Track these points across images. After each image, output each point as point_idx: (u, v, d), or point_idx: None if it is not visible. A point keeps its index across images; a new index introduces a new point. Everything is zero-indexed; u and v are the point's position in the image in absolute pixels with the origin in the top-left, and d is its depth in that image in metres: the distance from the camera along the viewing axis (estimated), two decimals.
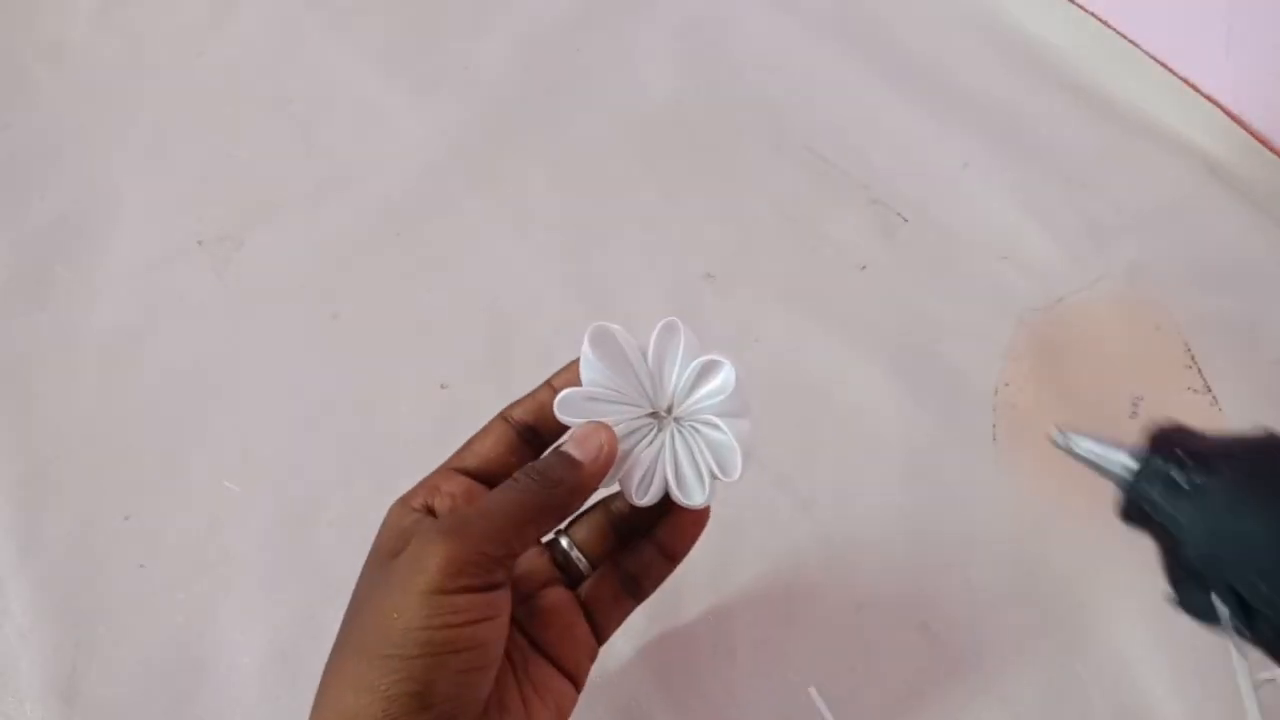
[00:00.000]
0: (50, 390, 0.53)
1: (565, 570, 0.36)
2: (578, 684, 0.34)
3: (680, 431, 0.35)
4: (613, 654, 0.43)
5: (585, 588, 0.36)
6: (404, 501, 0.34)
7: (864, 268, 0.55)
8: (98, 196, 0.61)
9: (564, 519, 0.32)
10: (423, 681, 0.28)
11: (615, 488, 0.34)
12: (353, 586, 0.32)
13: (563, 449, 0.32)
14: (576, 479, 0.32)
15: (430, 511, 0.33)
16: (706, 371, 0.34)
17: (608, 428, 0.33)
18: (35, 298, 0.57)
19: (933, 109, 0.63)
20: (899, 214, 0.58)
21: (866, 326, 0.53)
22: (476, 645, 0.29)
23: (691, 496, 0.34)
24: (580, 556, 0.36)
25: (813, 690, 0.42)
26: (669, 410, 0.35)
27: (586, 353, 0.34)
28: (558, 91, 0.65)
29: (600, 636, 0.36)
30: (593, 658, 0.35)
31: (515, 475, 0.32)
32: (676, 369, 0.34)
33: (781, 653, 0.43)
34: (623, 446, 0.34)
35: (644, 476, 0.34)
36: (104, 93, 0.67)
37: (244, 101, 0.66)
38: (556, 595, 0.35)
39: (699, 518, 0.35)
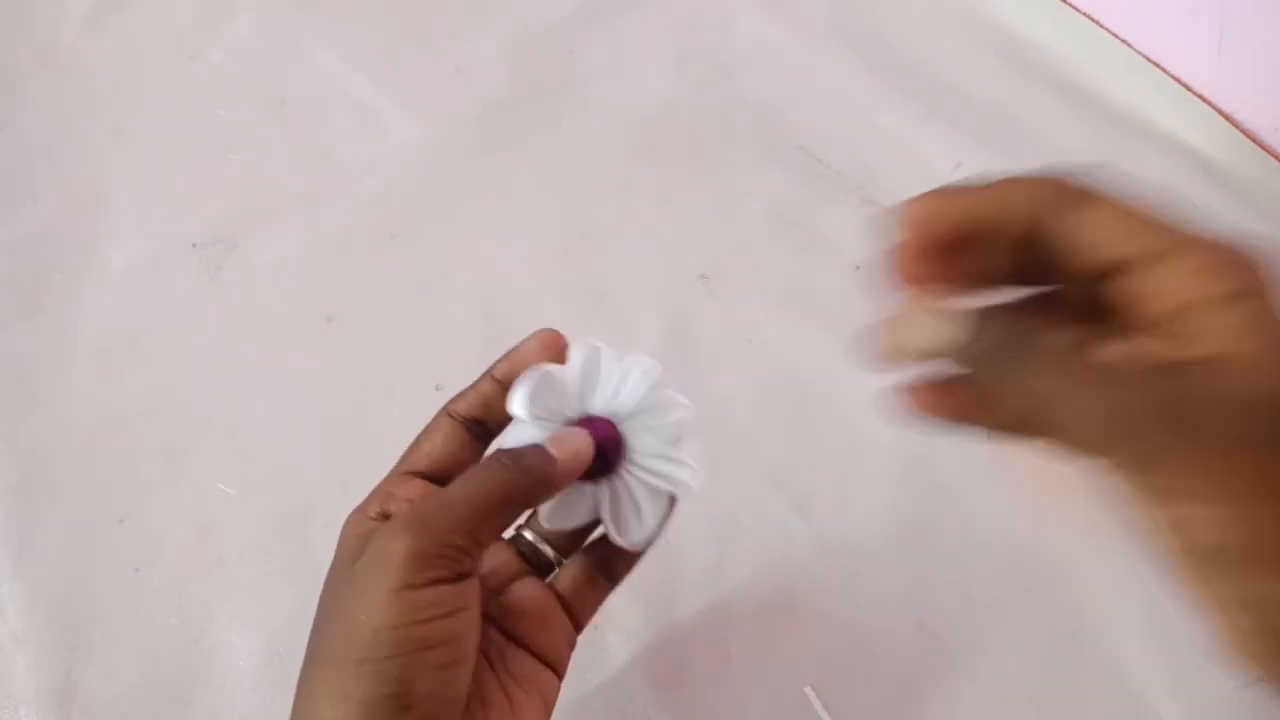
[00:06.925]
0: (45, 394, 0.53)
1: (533, 562, 0.35)
2: (559, 672, 0.34)
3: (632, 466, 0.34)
4: (608, 654, 0.43)
5: (558, 576, 0.35)
6: (360, 511, 0.33)
7: (858, 267, 0.55)
8: (91, 200, 0.61)
9: (526, 509, 0.32)
10: (400, 683, 0.27)
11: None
12: None
13: (542, 445, 0.32)
14: (548, 474, 0.31)
15: (387, 519, 0.32)
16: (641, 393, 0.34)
17: (588, 434, 0.32)
18: (29, 302, 0.56)
19: (925, 109, 0.63)
20: None
21: (862, 326, 0.53)
22: (450, 639, 0.28)
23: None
24: (548, 547, 0.35)
25: (808, 690, 0.42)
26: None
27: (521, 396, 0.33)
28: (550, 93, 0.65)
29: (577, 623, 0.35)
30: (572, 645, 0.35)
31: (486, 460, 0.31)
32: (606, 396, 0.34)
33: (777, 652, 0.43)
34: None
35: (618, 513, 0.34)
36: (97, 96, 0.67)
37: (237, 104, 0.66)
38: (528, 587, 0.34)
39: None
